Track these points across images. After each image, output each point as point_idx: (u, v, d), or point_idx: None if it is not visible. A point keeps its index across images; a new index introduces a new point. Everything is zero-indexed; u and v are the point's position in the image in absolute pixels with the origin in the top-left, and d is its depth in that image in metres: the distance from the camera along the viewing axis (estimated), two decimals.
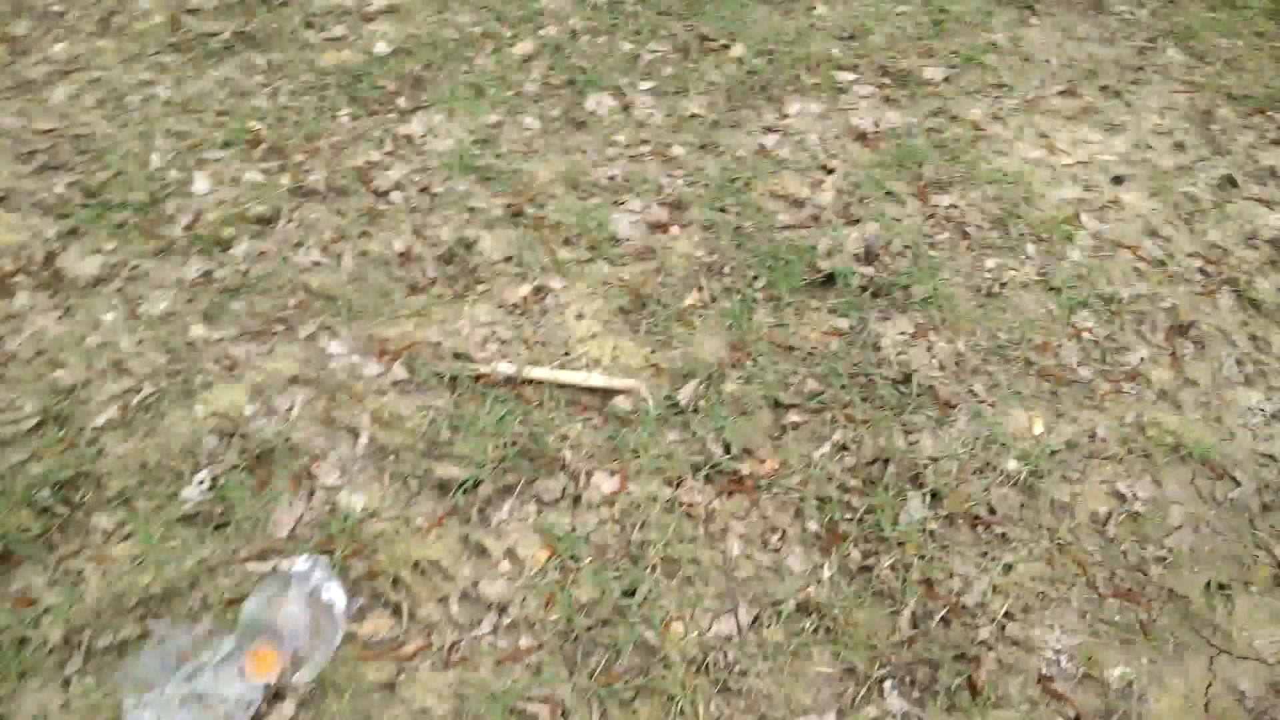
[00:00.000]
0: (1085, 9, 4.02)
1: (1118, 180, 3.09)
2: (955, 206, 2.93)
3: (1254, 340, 2.52)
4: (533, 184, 2.95)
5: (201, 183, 2.92)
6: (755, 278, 2.70)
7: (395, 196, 2.88)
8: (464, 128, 3.15)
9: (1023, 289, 2.67)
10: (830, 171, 3.08)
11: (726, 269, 2.73)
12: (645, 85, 3.42)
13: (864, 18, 3.82)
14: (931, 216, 2.90)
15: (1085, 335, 2.53)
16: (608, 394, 2.32)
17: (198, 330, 2.47)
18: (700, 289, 2.67)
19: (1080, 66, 3.64)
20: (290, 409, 2.28)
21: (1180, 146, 3.25)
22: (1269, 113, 3.41)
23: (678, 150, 3.14)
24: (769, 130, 3.26)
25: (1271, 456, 2.22)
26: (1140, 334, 2.55)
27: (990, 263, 2.75)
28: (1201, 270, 2.76)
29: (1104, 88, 3.54)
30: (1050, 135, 3.28)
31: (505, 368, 2.35)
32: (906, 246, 2.77)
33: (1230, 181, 3.10)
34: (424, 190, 2.91)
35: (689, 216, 2.90)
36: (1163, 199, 3.00)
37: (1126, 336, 2.54)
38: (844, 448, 2.24)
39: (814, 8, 3.90)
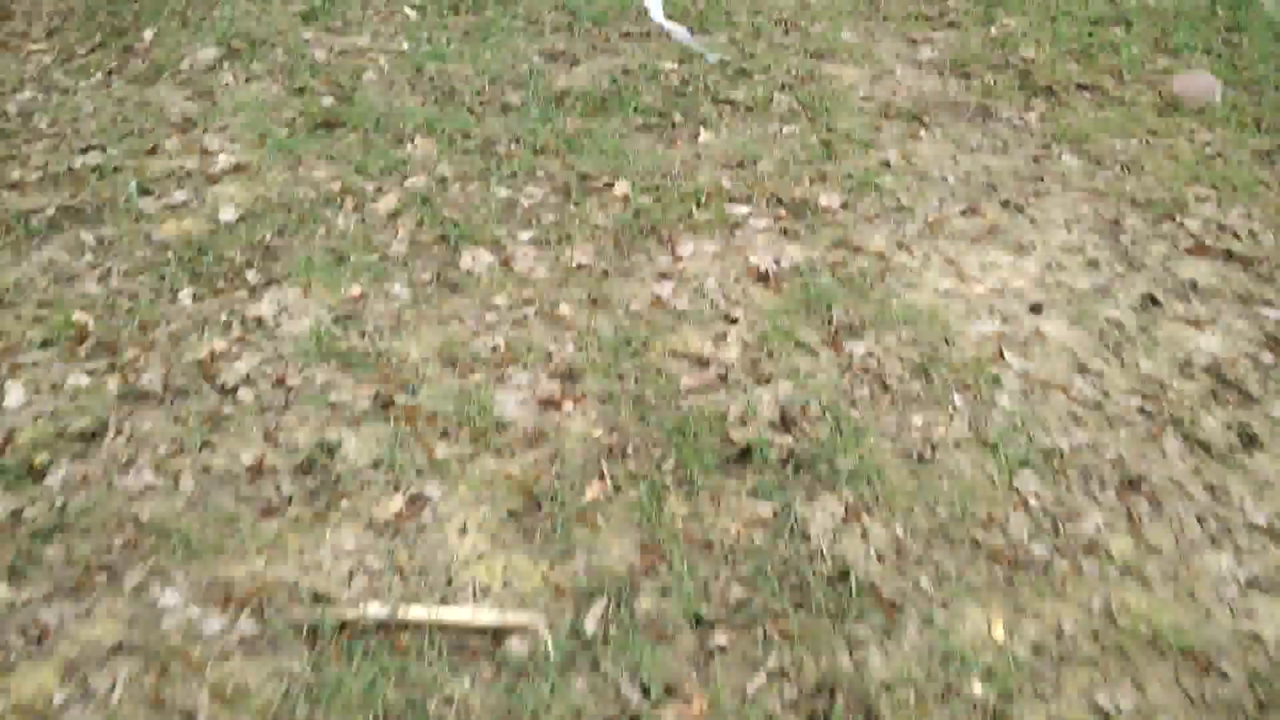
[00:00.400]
0: (973, 118, 3.91)
1: (1036, 309, 2.89)
2: (871, 355, 2.69)
3: (1211, 492, 2.29)
4: (403, 365, 2.61)
5: (15, 394, 2.51)
6: (663, 458, 2.40)
7: (244, 394, 2.51)
8: (323, 304, 2.80)
9: (956, 449, 2.42)
10: (734, 321, 2.82)
11: (630, 449, 2.43)
12: (525, 235, 3.14)
13: (751, 143, 3.62)
14: (848, 369, 2.65)
15: (1032, 502, 2.28)
16: (500, 634, 1.97)
17: (0, 592, 2.04)
18: (602, 477, 2.35)
19: (978, 181, 3.49)
20: (111, 690, 1.86)
21: (1094, 264, 3.09)
22: (1178, 218, 3.28)
23: (565, 309, 2.85)
24: (663, 276, 3.00)
25: (1255, 636, 1.97)
26: (1090, 494, 2.31)
27: (917, 419, 2.50)
28: (1141, 410, 2.55)
29: (1005, 203, 3.38)
30: (958, 261, 3.09)
31: (376, 610, 1.98)
32: (825, 408, 2.50)
33: (1152, 300, 2.93)
34: (278, 383, 2.55)
35: (583, 387, 2.59)
36: (1086, 327, 2.81)
37: (1076, 499, 2.29)
38: (782, 674, 1.92)
39: (698, 135, 3.69)
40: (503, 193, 3.31)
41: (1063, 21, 4.56)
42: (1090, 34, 4.44)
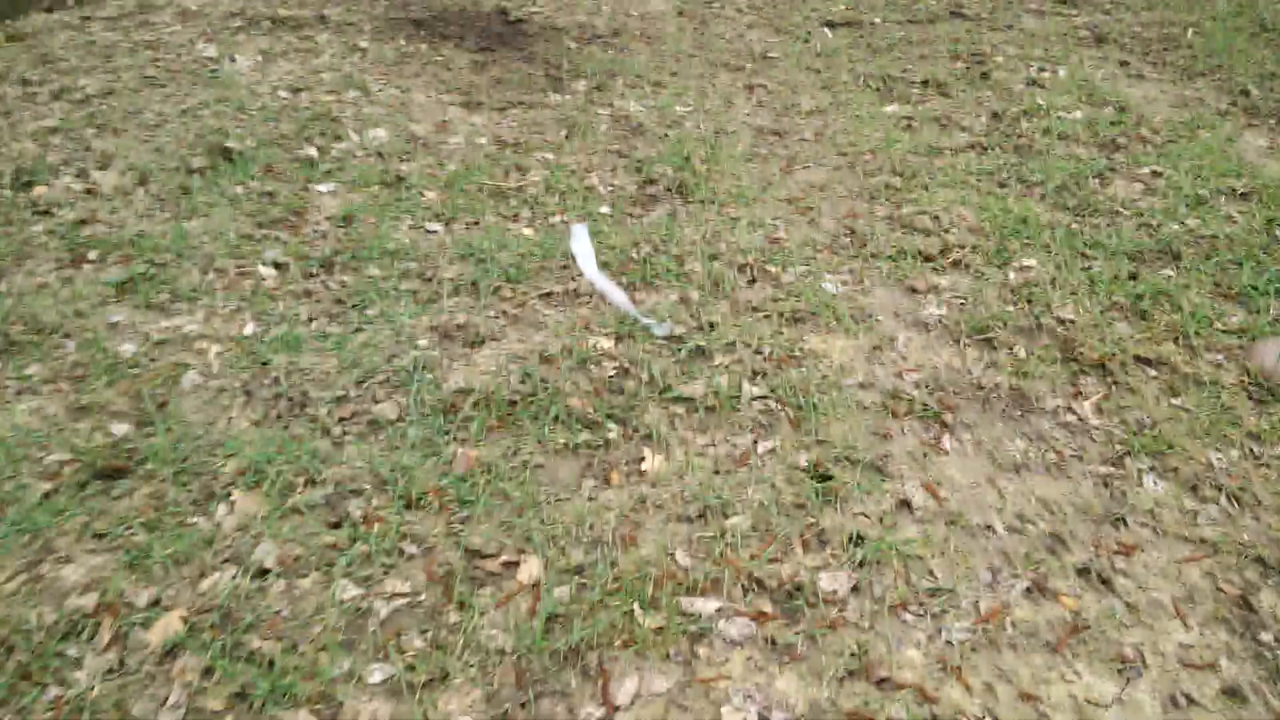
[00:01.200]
0: (1008, 411, 2.92)
1: None
2: None
3: None
4: None
5: None
6: None
7: None
8: None
9: None
10: None
11: None
12: (378, 675, 2.05)
13: (715, 477, 2.58)
14: None
15: None
16: None
17: None
18: None
19: (1036, 530, 2.47)
20: None
21: (1235, 694, 2.05)
22: None
23: None
24: None
25: None
26: None
27: None
28: None
29: (1083, 570, 2.36)
30: (1038, 695, 2.03)
31: None
32: None
33: None
34: None
35: None
36: None
37: None
38: None
39: (641, 461, 2.64)
40: (350, 592, 2.22)
41: (1095, 258, 3.64)
42: (1133, 276, 3.52)
